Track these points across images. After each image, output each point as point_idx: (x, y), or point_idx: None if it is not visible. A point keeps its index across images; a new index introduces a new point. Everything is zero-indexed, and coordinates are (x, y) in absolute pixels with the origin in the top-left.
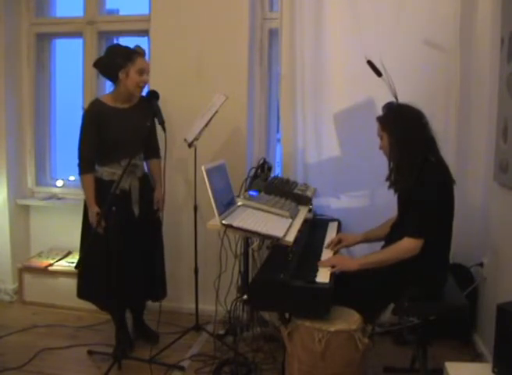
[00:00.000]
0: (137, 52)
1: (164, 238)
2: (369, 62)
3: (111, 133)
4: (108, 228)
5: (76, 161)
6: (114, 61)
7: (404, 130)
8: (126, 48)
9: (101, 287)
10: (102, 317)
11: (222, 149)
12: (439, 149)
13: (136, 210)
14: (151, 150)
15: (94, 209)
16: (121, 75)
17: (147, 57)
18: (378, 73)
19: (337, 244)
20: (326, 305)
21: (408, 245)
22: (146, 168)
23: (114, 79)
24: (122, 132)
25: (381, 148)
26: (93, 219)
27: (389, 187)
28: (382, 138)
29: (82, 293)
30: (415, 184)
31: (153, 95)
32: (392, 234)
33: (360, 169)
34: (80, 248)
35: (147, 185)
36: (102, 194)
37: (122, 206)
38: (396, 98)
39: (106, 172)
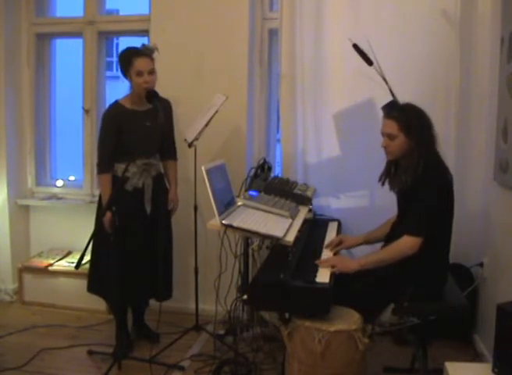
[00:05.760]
0: (137, 53)
1: None
2: (355, 46)
3: (128, 135)
4: (115, 226)
5: (81, 160)
6: (121, 66)
7: (423, 131)
8: (130, 50)
9: (110, 284)
10: (102, 317)
11: (222, 149)
12: (438, 149)
13: (148, 208)
14: (166, 151)
15: None
16: (128, 79)
17: (155, 54)
18: (369, 61)
19: (337, 246)
20: (326, 305)
21: (407, 243)
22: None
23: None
24: (138, 133)
25: (385, 146)
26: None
27: (390, 185)
28: (392, 138)
29: (92, 287)
30: (417, 184)
31: (152, 95)
32: (393, 234)
33: (360, 169)
34: (93, 245)
35: (162, 185)
36: (114, 190)
37: (134, 203)
38: (391, 92)
39: (120, 169)
